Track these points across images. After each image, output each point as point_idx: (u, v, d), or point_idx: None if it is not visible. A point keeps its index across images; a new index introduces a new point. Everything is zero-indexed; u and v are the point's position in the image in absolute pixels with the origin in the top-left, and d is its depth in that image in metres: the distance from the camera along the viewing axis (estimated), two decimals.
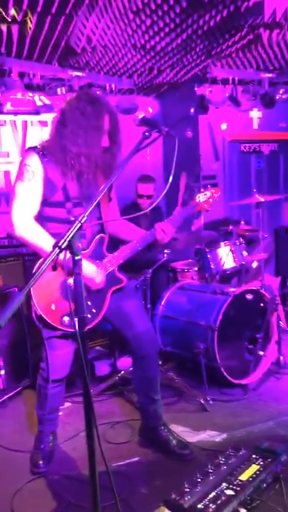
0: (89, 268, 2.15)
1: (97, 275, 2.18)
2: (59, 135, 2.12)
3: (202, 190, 2.50)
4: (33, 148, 2.16)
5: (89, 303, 2.20)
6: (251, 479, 1.93)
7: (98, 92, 4.36)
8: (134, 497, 2.08)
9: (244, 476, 1.95)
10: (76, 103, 2.11)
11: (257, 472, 1.98)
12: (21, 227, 2.10)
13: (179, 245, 3.75)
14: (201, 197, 2.48)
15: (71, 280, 2.13)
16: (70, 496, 2.10)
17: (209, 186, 2.58)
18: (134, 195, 4.16)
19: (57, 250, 1.33)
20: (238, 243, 3.55)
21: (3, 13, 3.05)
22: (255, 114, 5.53)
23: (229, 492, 1.85)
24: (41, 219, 2.17)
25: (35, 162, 2.12)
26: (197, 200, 2.47)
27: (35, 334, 2.44)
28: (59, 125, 2.14)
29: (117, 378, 3.25)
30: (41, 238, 2.09)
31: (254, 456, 2.09)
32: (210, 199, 2.48)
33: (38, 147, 2.17)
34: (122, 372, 3.28)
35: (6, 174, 4.71)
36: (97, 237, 2.25)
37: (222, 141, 5.51)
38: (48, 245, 2.07)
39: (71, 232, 1.34)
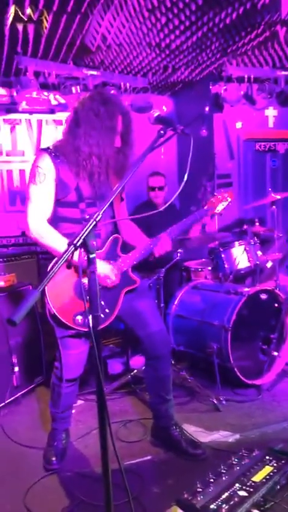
0: (103, 267, 2.16)
1: (111, 273, 2.19)
2: (71, 135, 2.13)
3: (216, 193, 2.50)
4: (45, 150, 2.17)
5: (103, 302, 2.20)
6: (264, 480, 1.91)
7: (112, 92, 4.38)
8: (145, 496, 2.08)
9: (257, 478, 1.93)
10: (89, 103, 2.12)
11: (271, 474, 1.95)
12: (36, 230, 2.13)
13: (192, 245, 3.73)
14: (214, 201, 2.47)
15: (85, 280, 2.15)
16: (82, 494, 2.11)
17: (222, 189, 2.57)
18: (147, 192, 4.14)
19: (72, 248, 1.33)
20: (252, 243, 3.52)
21: (20, 12, 3.07)
22: (271, 112, 5.46)
23: (242, 493, 1.83)
24: (55, 219, 2.18)
25: (46, 163, 2.13)
26: (211, 204, 2.46)
27: (49, 332, 2.46)
28: (72, 125, 2.15)
29: (130, 376, 3.26)
30: (55, 241, 2.11)
31: (267, 457, 2.07)
32: (224, 203, 2.47)
33: (51, 148, 2.18)
34: (135, 371, 3.28)
35: (22, 172, 4.76)
36: (111, 237, 2.26)
37: (237, 140, 5.46)
38: (62, 247, 2.08)
39: (86, 230, 1.34)
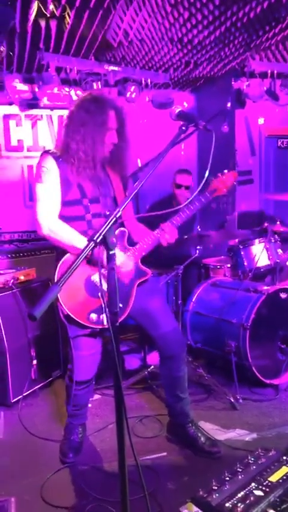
0: (119, 257, 2.17)
1: (127, 263, 2.20)
2: (64, 135, 2.20)
3: (219, 174, 2.44)
4: (47, 151, 2.24)
5: None
6: (281, 480, 1.89)
7: (133, 87, 4.37)
8: (161, 492, 2.09)
9: (274, 478, 1.91)
10: (81, 103, 2.19)
11: (287, 474, 1.93)
12: (47, 226, 2.16)
13: (211, 241, 3.70)
14: (218, 182, 2.40)
15: (94, 277, 2.17)
16: (97, 488, 2.13)
17: (225, 170, 2.49)
18: (172, 187, 4.11)
19: (92, 244, 1.34)
20: (273, 241, 3.48)
21: (43, 8, 3.08)
22: None
23: (258, 493, 1.82)
24: (60, 219, 2.21)
25: (50, 163, 2.19)
26: (215, 185, 2.39)
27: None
28: (65, 126, 2.22)
29: (146, 372, 3.26)
30: (70, 234, 2.14)
31: (284, 458, 2.05)
32: (228, 183, 2.41)
33: (51, 150, 2.24)
34: (152, 367, 3.29)
35: None
36: (117, 231, 2.26)
37: (258, 136, 5.40)
38: (77, 240, 2.09)
39: (106, 226, 1.35)
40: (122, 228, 2.29)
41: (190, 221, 3.57)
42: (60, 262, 2.17)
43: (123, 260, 2.21)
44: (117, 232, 2.26)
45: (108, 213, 1.40)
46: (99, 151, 2.16)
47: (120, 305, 2.22)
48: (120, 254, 2.21)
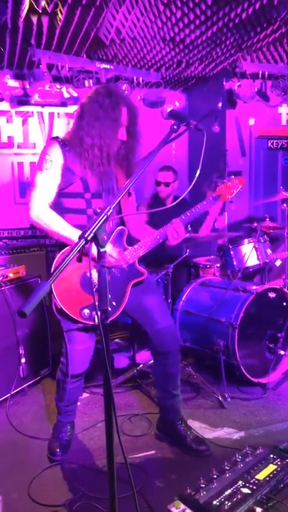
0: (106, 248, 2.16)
1: (113, 251, 2.19)
2: (77, 127, 2.17)
3: (225, 180, 2.45)
4: (55, 138, 2.22)
5: (109, 295, 2.20)
6: (267, 478, 1.91)
7: (124, 86, 4.36)
8: (149, 490, 2.10)
9: (261, 476, 1.93)
10: (95, 96, 2.16)
11: (274, 472, 1.95)
12: (37, 215, 2.15)
13: (199, 240, 3.72)
14: (224, 187, 2.43)
15: (93, 273, 2.16)
16: (85, 486, 2.13)
17: (232, 176, 2.51)
18: (155, 184, 4.13)
19: (82, 241, 1.34)
20: (262, 241, 3.50)
21: (35, 5, 3.06)
22: (284, 109, 5.42)
23: (245, 490, 1.84)
24: (60, 210, 2.20)
25: (55, 151, 2.17)
26: (220, 190, 2.42)
27: (56, 324, 2.47)
28: (78, 117, 2.19)
29: (135, 371, 3.27)
30: (59, 224, 2.13)
31: (271, 456, 2.07)
32: (234, 190, 2.42)
33: (60, 137, 2.22)
34: (141, 365, 3.29)
35: (33, 165, 4.76)
36: (117, 229, 2.26)
37: (249, 137, 5.43)
38: (65, 230, 2.08)
39: (97, 223, 1.34)
40: (121, 227, 2.28)
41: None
42: (59, 254, 2.17)
43: (110, 249, 2.18)
44: (116, 230, 2.26)
45: (99, 210, 1.40)
46: (112, 148, 2.14)
47: (114, 303, 2.22)
48: (108, 245, 2.16)
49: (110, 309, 2.17)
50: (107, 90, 2.18)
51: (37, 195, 2.17)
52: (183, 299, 3.58)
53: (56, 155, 2.16)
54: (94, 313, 2.14)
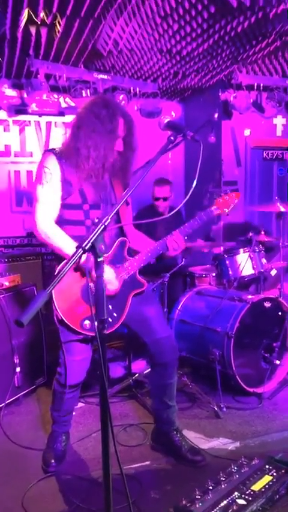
0: (107, 272, 2.15)
1: (114, 280, 2.19)
2: (73, 137, 2.16)
3: (222, 194, 2.49)
4: (51, 150, 2.21)
5: (110, 306, 2.20)
6: (263, 489, 1.90)
7: (121, 96, 4.40)
8: (144, 501, 2.08)
9: (257, 487, 1.92)
10: (91, 107, 2.16)
11: (270, 483, 1.94)
12: (44, 230, 2.14)
13: (195, 249, 3.73)
14: (221, 201, 2.46)
15: (92, 284, 2.16)
16: (80, 497, 2.11)
17: (228, 190, 2.56)
18: (151, 198, 4.16)
19: (80, 251, 1.34)
20: (257, 250, 3.52)
21: (33, 16, 3.10)
22: (279, 121, 5.49)
23: (241, 501, 1.83)
24: (59, 221, 2.20)
25: (52, 163, 2.16)
26: (218, 204, 2.46)
27: (52, 333, 2.47)
28: (74, 128, 2.18)
29: (131, 380, 3.25)
30: (62, 242, 2.12)
31: (267, 466, 2.06)
32: (231, 204, 2.46)
33: (56, 149, 2.21)
34: (136, 375, 3.28)
35: (29, 173, 4.78)
36: (118, 240, 2.26)
37: (244, 147, 5.48)
38: (69, 247, 2.09)
39: (95, 234, 1.35)
40: (122, 238, 2.29)
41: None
42: (59, 266, 2.16)
43: (111, 276, 2.18)
44: (118, 241, 2.26)
45: (96, 220, 1.41)
46: (109, 160, 2.14)
47: (115, 314, 2.22)
48: (109, 271, 2.16)
49: (110, 319, 2.19)
50: (104, 101, 2.17)
51: (42, 210, 2.15)
52: (179, 308, 3.58)
53: (54, 168, 2.15)
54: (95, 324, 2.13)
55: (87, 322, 2.13)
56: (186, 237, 2.32)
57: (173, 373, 2.40)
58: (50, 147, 4.65)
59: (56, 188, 2.16)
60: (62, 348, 2.25)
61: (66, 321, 2.12)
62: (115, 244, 2.25)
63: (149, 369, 2.51)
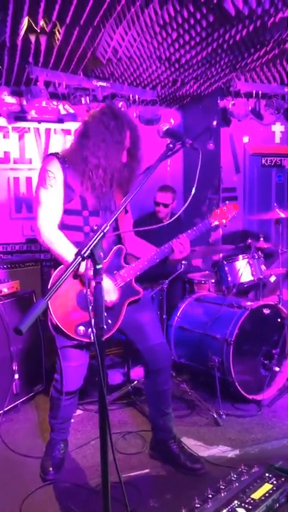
0: (106, 284, 2.14)
1: (111, 293, 2.18)
2: (80, 146, 2.16)
3: (221, 205, 2.51)
4: (54, 154, 2.20)
5: (105, 314, 2.20)
6: (263, 498, 1.89)
7: (120, 103, 4.43)
8: (142, 509, 2.07)
9: (256, 495, 1.90)
10: (100, 116, 2.15)
11: (270, 491, 1.93)
12: (47, 234, 2.14)
13: (195, 257, 3.73)
14: (219, 212, 2.48)
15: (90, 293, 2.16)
16: (78, 506, 2.09)
17: (227, 202, 2.57)
18: (153, 204, 4.16)
19: (79, 258, 1.34)
20: (256, 257, 3.52)
21: (33, 24, 3.12)
22: (278, 128, 5.53)
23: (241, 510, 1.81)
24: (58, 226, 2.19)
25: (56, 167, 2.15)
26: (216, 215, 2.47)
27: (50, 340, 2.46)
28: (82, 136, 2.17)
29: (130, 387, 3.24)
30: (64, 246, 2.12)
31: (267, 474, 2.05)
32: (229, 215, 2.47)
33: (59, 153, 2.21)
34: (135, 382, 3.27)
35: (28, 180, 4.78)
36: (115, 248, 2.26)
37: (243, 154, 5.51)
38: (71, 254, 2.09)
39: (94, 241, 1.35)
40: (119, 245, 2.28)
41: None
42: (56, 270, 2.16)
43: (110, 287, 2.18)
44: (114, 248, 2.26)
45: (95, 227, 1.41)
46: (117, 170, 2.15)
47: (110, 321, 2.21)
48: (106, 281, 2.16)
49: (105, 326, 2.18)
50: (112, 111, 2.17)
51: (45, 215, 2.14)
52: (178, 315, 3.58)
53: (57, 171, 2.15)
54: (89, 330, 2.13)
55: (81, 328, 2.13)
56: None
57: (167, 379, 2.40)
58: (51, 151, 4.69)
59: (59, 193, 2.16)
60: (58, 354, 2.25)
61: (60, 326, 2.11)
62: (112, 251, 2.25)
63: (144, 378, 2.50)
